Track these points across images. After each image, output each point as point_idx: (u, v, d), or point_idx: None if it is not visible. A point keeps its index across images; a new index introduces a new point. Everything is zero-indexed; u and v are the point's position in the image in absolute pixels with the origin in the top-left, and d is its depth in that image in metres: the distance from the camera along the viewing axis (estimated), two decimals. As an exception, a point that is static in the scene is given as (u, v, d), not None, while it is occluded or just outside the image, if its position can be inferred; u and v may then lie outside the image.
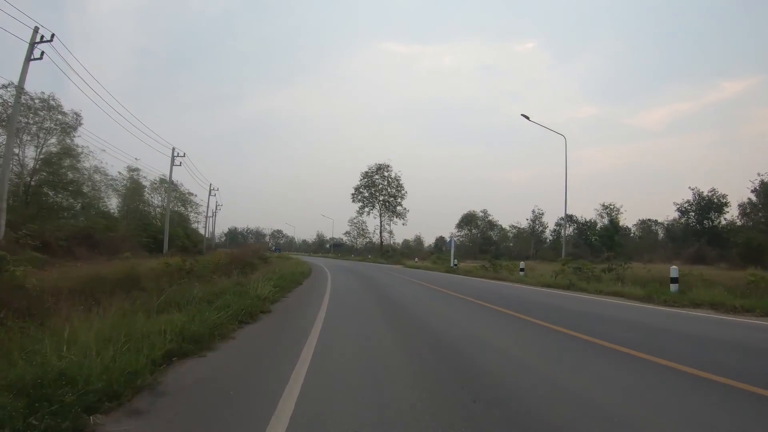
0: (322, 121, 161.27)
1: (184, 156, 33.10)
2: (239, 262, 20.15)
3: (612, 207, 76.93)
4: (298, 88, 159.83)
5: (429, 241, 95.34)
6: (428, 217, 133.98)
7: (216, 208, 67.44)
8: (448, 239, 28.69)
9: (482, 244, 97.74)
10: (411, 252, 63.70)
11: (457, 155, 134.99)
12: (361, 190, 60.40)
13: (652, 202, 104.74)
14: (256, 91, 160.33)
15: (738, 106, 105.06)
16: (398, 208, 59.25)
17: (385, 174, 59.34)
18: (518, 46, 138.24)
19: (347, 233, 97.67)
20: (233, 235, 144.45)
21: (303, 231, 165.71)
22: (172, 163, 33.02)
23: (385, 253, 48.89)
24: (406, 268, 32.54)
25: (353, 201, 60.61)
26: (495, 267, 23.03)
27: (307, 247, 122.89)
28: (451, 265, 27.90)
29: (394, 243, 61.12)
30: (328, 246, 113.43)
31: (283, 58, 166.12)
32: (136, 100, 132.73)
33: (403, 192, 59.59)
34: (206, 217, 50.84)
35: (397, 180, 59.79)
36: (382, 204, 59.39)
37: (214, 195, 57.45)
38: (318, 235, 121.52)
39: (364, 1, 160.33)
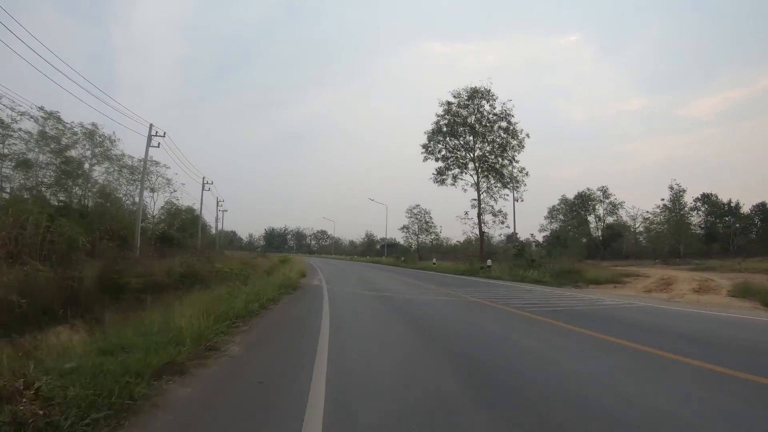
0: (364, 123, 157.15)
1: None
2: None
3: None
4: (338, 91, 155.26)
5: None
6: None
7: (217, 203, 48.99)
8: None
9: (603, 238, 66.81)
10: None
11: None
12: (440, 137, 32.21)
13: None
14: (297, 96, 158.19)
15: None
16: (509, 168, 31.60)
17: (485, 108, 32.01)
18: (562, 40, 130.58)
19: (404, 228, 71.23)
20: (270, 236, 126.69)
21: (353, 233, 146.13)
22: None
23: (517, 255, 20.82)
24: None
25: (426, 157, 32.44)
26: None
27: (353, 250, 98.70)
28: None
29: (514, 235, 32.60)
30: (378, 247, 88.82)
31: (323, 62, 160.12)
32: (181, 108, 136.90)
33: (520, 137, 31.19)
34: (142, 194, 27.25)
35: (507, 118, 32.53)
36: (480, 162, 32.67)
37: (208, 189, 36.27)
38: (367, 235, 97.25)
39: (401, 2, 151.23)
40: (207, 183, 39.64)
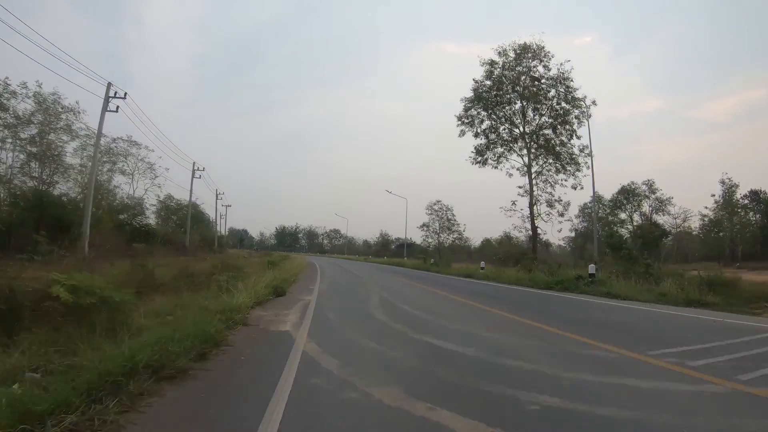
0: (375, 123, 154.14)
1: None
2: None
3: None
4: (353, 89, 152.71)
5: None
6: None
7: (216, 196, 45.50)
8: None
9: (652, 237, 58.78)
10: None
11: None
12: (480, 106, 25.17)
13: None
14: (309, 95, 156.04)
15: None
16: (567, 147, 24.71)
17: (536, 70, 25.35)
18: (577, 40, 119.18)
19: (424, 226, 64.58)
20: (281, 234, 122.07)
21: (366, 233, 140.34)
22: None
23: (626, 258, 13.48)
24: None
25: (463, 131, 25.60)
26: None
27: (367, 250, 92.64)
28: None
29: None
30: (393, 247, 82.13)
31: (336, 60, 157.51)
32: (192, 106, 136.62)
33: (582, 107, 23.60)
34: (94, 173, 21.18)
35: (565, 82, 24.30)
36: (531, 139, 25.99)
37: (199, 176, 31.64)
38: (381, 234, 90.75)
39: (414, 2, 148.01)
40: (198, 169, 33.80)
